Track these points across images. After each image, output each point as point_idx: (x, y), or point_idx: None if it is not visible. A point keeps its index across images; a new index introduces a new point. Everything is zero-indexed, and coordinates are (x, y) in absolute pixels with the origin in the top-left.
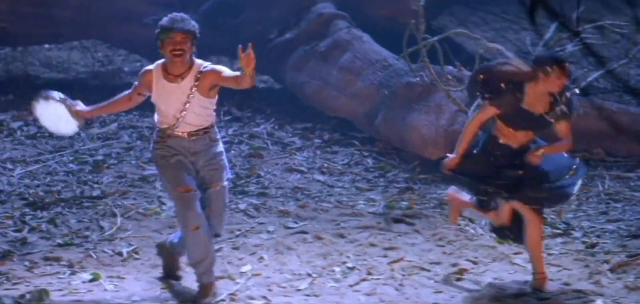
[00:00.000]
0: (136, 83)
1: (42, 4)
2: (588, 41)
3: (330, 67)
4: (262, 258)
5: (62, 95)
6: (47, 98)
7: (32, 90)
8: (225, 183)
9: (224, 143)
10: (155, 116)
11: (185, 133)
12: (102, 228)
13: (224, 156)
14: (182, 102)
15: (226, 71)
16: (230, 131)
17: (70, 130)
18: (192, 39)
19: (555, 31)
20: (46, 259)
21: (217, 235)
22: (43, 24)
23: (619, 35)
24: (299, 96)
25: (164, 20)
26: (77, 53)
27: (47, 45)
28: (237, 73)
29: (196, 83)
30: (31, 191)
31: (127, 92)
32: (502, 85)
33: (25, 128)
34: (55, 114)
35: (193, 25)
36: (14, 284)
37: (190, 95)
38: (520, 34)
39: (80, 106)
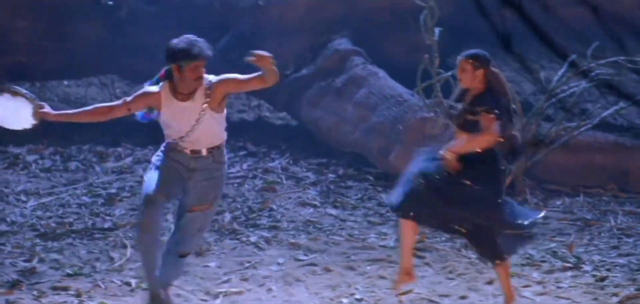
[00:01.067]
0: (128, 99)
1: (58, 37)
2: (604, 77)
3: (346, 102)
4: (270, 289)
5: (31, 95)
6: (15, 93)
7: (48, 124)
8: (214, 207)
9: (238, 177)
10: (165, 131)
11: (188, 150)
12: (111, 259)
13: (222, 181)
14: (195, 119)
15: (239, 76)
16: (244, 166)
17: (20, 126)
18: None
19: (568, 68)
20: (54, 288)
21: (182, 254)
22: (60, 58)
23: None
24: (314, 131)
25: (188, 46)
26: (95, 89)
27: (66, 82)
28: (257, 73)
29: (207, 99)
30: (43, 222)
31: (109, 103)
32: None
33: (40, 162)
34: (15, 109)
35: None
36: None
37: (202, 112)
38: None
39: (47, 108)
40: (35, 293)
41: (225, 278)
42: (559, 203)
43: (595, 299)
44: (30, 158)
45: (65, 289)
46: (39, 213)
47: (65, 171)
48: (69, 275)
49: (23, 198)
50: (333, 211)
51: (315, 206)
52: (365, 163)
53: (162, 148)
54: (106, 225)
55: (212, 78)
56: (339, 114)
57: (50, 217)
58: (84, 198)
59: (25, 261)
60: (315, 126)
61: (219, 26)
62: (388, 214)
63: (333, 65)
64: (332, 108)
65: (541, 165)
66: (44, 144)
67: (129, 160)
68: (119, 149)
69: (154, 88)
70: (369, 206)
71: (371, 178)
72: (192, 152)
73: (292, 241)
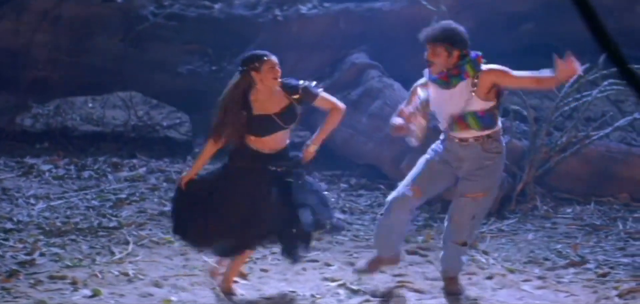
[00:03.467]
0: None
1: (78, 53)
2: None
3: (360, 114)
4: (267, 280)
5: None
6: None
7: (67, 140)
8: (489, 197)
9: None
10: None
11: (457, 139)
12: (112, 253)
13: (496, 172)
14: (460, 108)
15: (511, 71)
16: None
17: None
18: None
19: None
20: (51, 277)
21: (463, 243)
22: (80, 73)
23: None
24: (329, 144)
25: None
26: (120, 111)
27: (90, 105)
28: (538, 73)
29: (474, 88)
30: (48, 221)
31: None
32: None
33: (54, 171)
34: None
35: None
36: (15, 298)
37: (468, 100)
38: (543, 100)
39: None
40: (31, 281)
41: (222, 271)
42: (569, 210)
43: (595, 292)
44: (44, 167)
45: (62, 278)
46: (46, 214)
47: (78, 179)
48: (67, 266)
49: (32, 201)
50: (341, 216)
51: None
52: (378, 175)
53: (440, 137)
54: (111, 225)
55: (484, 66)
56: (354, 126)
57: (57, 218)
58: (93, 201)
59: (26, 254)
60: (330, 139)
61: (238, 41)
62: None
63: (350, 78)
64: (347, 121)
65: (553, 174)
66: (59, 156)
67: (142, 170)
68: (135, 160)
69: (424, 79)
70: (377, 211)
71: (383, 187)
72: (461, 140)
73: None
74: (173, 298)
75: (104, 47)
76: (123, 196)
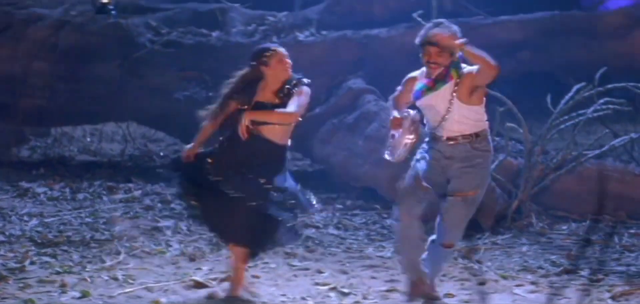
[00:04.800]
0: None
1: (75, 79)
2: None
3: (357, 137)
4: (257, 286)
5: None
6: None
7: (64, 167)
8: (477, 195)
9: None
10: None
11: (444, 138)
12: (103, 261)
13: (484, 169)
14: (445, 108)
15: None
16: None
17: None
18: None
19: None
20: (40, 281)
21: (449, 245)
22: (77, 100)
23: None
24: (325, 168)
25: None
26: (117, 145)
27: (88, 138)
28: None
29: (456, 89)
30: (41, 234)
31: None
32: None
33: (49, 192)
34: None
35: None
36: (2, 299)
37: (451, 101)
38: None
39: None
40: (20, 285)
41: (213, 276)
42: (564, 227)
43: (588, 294)
44: (39, 189)
45: (51, 282)
46: (39, 228)
47: (72, 201)
48: (57, 273)
49: (25, 218)
50: (335, 231)
51: (317, 227)
52: (374, 197)
53: (425, 138)
54: (103, 237)
55: (466, 68)
56: (350, 149)
57: (49, 231)
58: (87, 219)
59: (16, 262)
60: (327, 162)
61: (235, 68)
62: (390, 234)
63: (346, 103)
64: (343, 144)
65: (549, 192)
66: (55, 180)
67: (138, 192)
68: (130, 184)
69: (414, 73)
70: (372, 228)
71: (378, 207)
72: (448, 139)
73: (288, 251)
74: (162, 300)
75: (100, 74)
76: (117, 214)
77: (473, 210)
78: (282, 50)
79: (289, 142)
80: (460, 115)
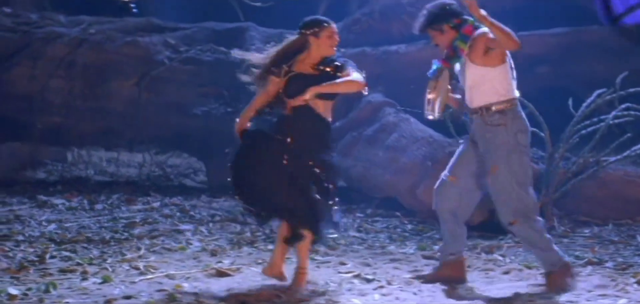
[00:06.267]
0: None
1: (93, 97)
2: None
3: (377, 148)
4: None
5: None
6: None
7: (81, 185)
8: (501, 171)
9: None
10: None
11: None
12: (123, 254)
13: (498, 145)
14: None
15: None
16: None
17: None
18: None
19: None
20: (61, 271)
21: (512, 222)
22: (94, 118)
23: None
24: (345, 180)
25: None
26: (133, 169)
27: (104, 163)
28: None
29: (469, 49)
30: (60, 235)
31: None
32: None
33: (67, 203)
34: None
35: None
36: (24, 284)
37: (465, 65)
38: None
39: None
40: (41, 273)
41: (236, 266)
42: (587, 231)
43: (613, 280)
44: (57, 201)
45: (72, 271)
46: (58, 231)
47: (91, 210)
48: (78, 264)
49: (44, 223)
50: (356, 234)
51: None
52: (394, 206)
53: None
54: (123, 237)
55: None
56: (370, 160)
57: (68, 233)
58: (106, 224)
59: (36, 256)
60: (346, 175)
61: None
62: (412, 236)
63: (366, 116)
64: (363, 155)
65: (570, 197)
66: (73, 194)
67: (156, 203)
68: (149, 197)
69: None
70: (393, 231)
71: (399, 214)
72: (472, 112)
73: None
74: (185, 285)
75: (118, 91)
76: (136, 220)
77: (510, 186)
78: (334, 25)
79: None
80: (473, 81)
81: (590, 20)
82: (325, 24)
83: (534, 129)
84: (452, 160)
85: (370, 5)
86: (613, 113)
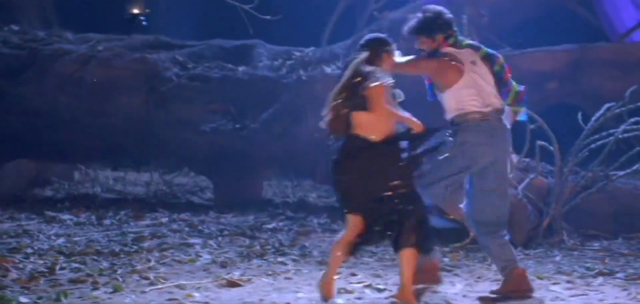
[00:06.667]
0: None
1: (101, 114)
2: None
3: None
4: (289, 279)
5: None
6: None
7: (89, 201)
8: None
9: (271, 229)
10: None
11: None
12: (134, 266)
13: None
14: None
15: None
16: (281, 223)
17: None
18: None
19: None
20: (72, 281)
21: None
22: (102, 134)
23: None
24: None
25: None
26: (141, 188)
27: (111, 181)
28: None
29: None
30: (69, 247)
31: None
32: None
33: (75, 219)
34: None
35: None
36: (35, 293)
37: None
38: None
39: None
40: (52, 284)
41: (246, 277)
42: (596, 244)
43: (625, 290)
44: (65, 216)
45: (82, 281)
46: (67, 244)
47: (99, 225)
48: (88, 275)
49: (53, 237)
50: (367, 247)
51: None
52: None
53: None
54: (133, 249)
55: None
56: None
57: (77, 246)
58: (115, 238)
59: (46, 268)
60: None
61: (261, 100)
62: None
63: None
64: None
65: (580, 211)
66: (80, 210)
67: (165, 219)
68: (157, 213)
69: None
70: None
71: None
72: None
73: (320, 259)
74: (196, 295)
75: (126, 108)
76: (145, 234)
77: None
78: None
79: None
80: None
81: (599, 37)
82: (393, 44)
83: (544, 143)
84: None
85: (377, 23)
86: (622, 127)
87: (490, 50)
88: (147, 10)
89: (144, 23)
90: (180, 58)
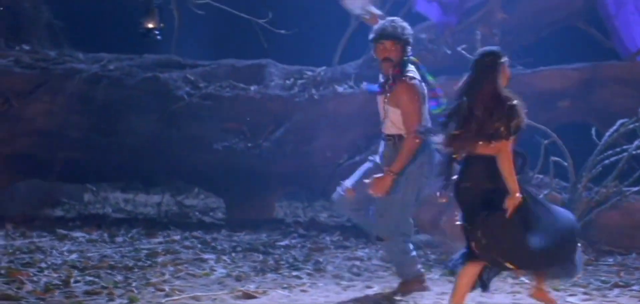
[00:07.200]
0: None
1: (113, 133)
2: None
3: None
4: (304, 291)
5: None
6: None
7: (100, 220)
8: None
9: (284, 246)
10: None
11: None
12: (148, 279)
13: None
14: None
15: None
16: (293, 240)
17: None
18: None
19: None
20: (87, 293)
21: (378, 239)
22: (114, 153)
23: None
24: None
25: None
26: (151, 209)
27: (121, 204)
28: None
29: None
30: (82, 262)
31: None
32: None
33: (87, 236)
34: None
35: None
36: None
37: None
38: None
39: None
40: (66, 295)
41: (262, 290)
42: (611, 259)
43: None
44: (77, 234)
45: (97, 293)
46: (80, 258)
47: (111, 243)
48: (103, 287)
49: (66, 253)
50: (379, 263)
51: (362, 259)
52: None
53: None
54: (147, 264)
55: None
56: None
57: (90, 261)
58: (128, 254)
59: (60, 281)
60: None
61: (275, 119)
62: (435, 263)
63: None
64: None
65: (594, 227)
66: (92, 228)
67: (177, 236)
68: (169, 231)
69: None
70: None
71: (421, 245)
72: (386, 136)
73: (335, 273)
74: None
75: (138, 127)
76: (158, 250)
77: (398, 210)
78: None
79: None
80: (391, 113)
81: (610, 56)
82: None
83: (558, 159)
84: (355, 174)
85: None
86: (635, 143)
87: None
88: (162, 25)
89: (158, 37)
90: (191, 77)
